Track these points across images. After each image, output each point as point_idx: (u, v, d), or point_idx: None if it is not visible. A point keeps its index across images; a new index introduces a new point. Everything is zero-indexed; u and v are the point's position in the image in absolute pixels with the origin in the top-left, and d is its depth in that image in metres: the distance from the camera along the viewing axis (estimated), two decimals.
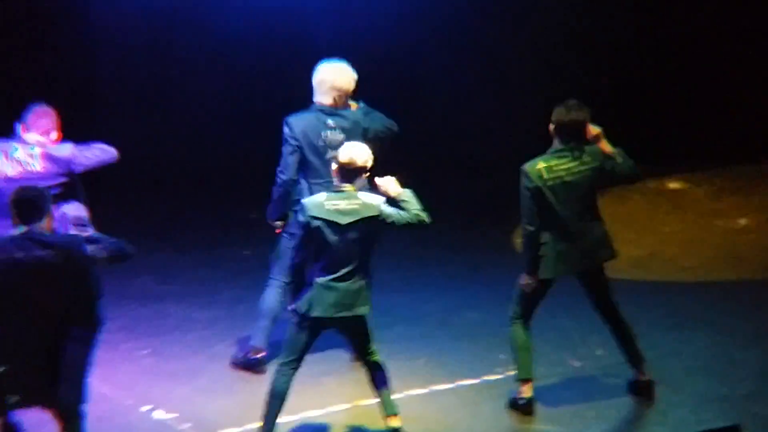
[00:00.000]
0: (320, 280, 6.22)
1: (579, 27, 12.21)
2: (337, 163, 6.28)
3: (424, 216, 6.33)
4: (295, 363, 6.34)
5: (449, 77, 12.36)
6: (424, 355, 7.64)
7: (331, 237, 6.18)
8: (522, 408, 6.76)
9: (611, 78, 12.37)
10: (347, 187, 6.26)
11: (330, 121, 7.11)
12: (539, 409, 6.84)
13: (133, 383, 7.19)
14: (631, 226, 10.25)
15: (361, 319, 6.35)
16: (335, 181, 6.31)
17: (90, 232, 6.43)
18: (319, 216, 6.17)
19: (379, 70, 10.57)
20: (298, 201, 6.62)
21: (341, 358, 7.53)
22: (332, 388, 7.17)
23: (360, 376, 7.29)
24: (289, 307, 6.47)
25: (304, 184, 7.06)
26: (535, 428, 6.69)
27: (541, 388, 6.97)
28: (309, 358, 7.44)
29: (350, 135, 7.02)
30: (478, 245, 9.93)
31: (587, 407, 6.86)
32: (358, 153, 6.27)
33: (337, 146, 6.70)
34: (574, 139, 6.63)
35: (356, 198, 6.25)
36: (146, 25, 11.79)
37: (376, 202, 6.29)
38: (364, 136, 7.04)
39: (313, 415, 6.80)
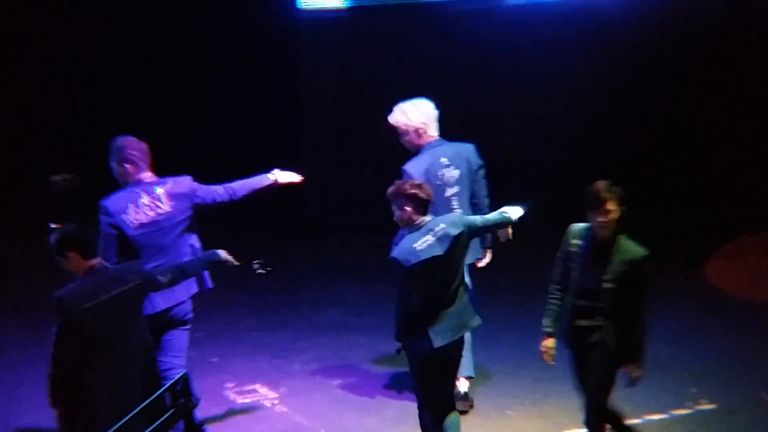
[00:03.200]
0: (432, 314, 6.28)
1: None
2: (414, 198, 6.34)
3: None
4: (435, 404, 6.37)
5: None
6: None
7: (437, 270, 6.26)
8: None
9: None
10: (424, 219, 6.34)
11: (444, 159, 7.18)
12: None
13: (326, 413, 7.41)
14: None
15: (463, 342, 6.52)
16: (415, 217, 6.35)
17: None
18: (418, 261, 6.22)
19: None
20: None
21: (525, 390, 7.56)
22: (517, 422, 7.20)
23: (544, 409, 7.31)
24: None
25: None
26: None
27: (735, 421, 6.81)
28: (492, 391, 7.53)
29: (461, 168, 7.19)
30: (661, 278, 9.75)
31: None
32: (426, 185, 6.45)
33: (454, 183, 6.94)
34: None
35: (437, 224, 6.33)
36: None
37: (456, 218, 6.47)
38: (470, 169, 7.19)
39: None
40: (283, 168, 7.27)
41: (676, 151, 11.56)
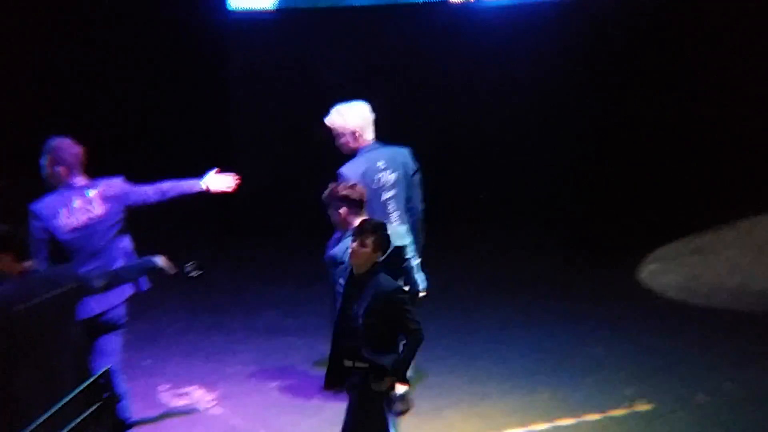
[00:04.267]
0: None
1: None
2: (346, 199, 6.34)
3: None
4: None
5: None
6: (546, 389, 7.59)
7: None
8: None
9: None
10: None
11: (381, 163, 7.15)
12: None
13: (264, 415, 7.33)
14: None
15: None
16: (353, 220, 6.32)
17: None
18: None
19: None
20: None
21: (463, 390, 7.55)
22: (454, 422, 7.19)
23: (482, 410, 7.31)
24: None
25: None
26: None
27: (672, 421, 6.85)
28: (430, 392, 7.51)
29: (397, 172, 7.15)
30: (599, 281, 9.83)
31: None
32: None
33: (390, 187, 6.93)
34: None
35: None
36: None
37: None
38: (406, 173, 7.16)
39: None
40: (216, 168, 7.17)
41: (613, 159, 11.68)
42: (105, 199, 6.68)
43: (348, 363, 5.87)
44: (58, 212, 6.53)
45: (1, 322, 5.50)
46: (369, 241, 5.83)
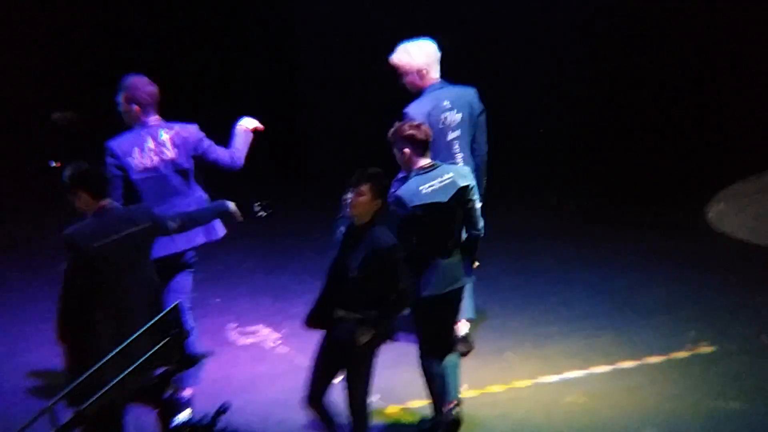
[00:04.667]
0: (427, 259, 6.27)
1: None
2: (412, 139, 6.28)
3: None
4: (435, 346, 6.39)
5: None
6: (609, 332, 7.62)
7: (436, 218, 6.23)
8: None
9: None
10: (433, 164, 6.30)
11: (447, 102, 7.11)
12: (728, 384, 6.74)
13: None
14: None
15: (461, 291, 6.45)
16: (417, 160, 6.30)
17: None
18: (421, 203, 6.21)
19: None
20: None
21: (525, 332, 7.60)
22: (515, 364, 7.25)
23: (543, 352, 7.36)
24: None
25: None
26: (723, 405, 6.60)
27: (734, 363, 6.85)
28: (492, 334, 7.58)
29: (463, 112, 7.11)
30: (666, 221, 9.77)
31: None
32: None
33: (456, 127, 6.87)
34: None
35: (446, 172, 6.30)
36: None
37: (467, 171, 6.38)
38: (472, 113, 7.11)
39: (496, 390, 6.90)
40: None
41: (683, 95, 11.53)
42: (178, 142, 6.72)
43: (340, 313, 5.85)
44: (132, 151, 6.61)
45: (79, 259, 5.68)
46: (365, 188, 5.79)
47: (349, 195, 5.84)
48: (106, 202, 5.84)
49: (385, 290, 5.80)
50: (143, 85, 6.70)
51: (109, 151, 6.62)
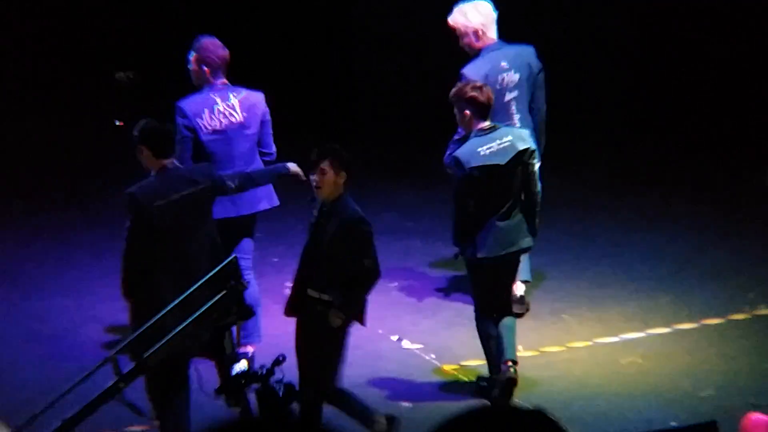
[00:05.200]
0: (484, 221, 6.25)
1: None
2: (473, 101, 6.24)
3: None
4: (491, 307, 6.39)
5: None
6: (668, 294, 7.58)
7: (494, 179, 6.21)
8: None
9: None
10: (493, 126, 6.26)
11: (504, 63, 7.06)
12: None
13: (383, 314, 7.47)
14: None
15: (518, 253, 6.41)
16: (477, 122, 6.27)
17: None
18: (478, 164, 6.19)
19: None
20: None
21: (582, 295, 7.59)
22: (572, 325, 7.25)
23: (600, 314, 7.35)
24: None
25: None
26: None
27: None
28: (548, 296, 7.58)
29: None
30: (723, 184, 9.67)
31: None
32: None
33: (514, 87, 6.85)
34: None
35: (505, 134, 6.24)
36: None
37: (526, 134, 6.30)
38: (531, 72, 7.04)
39: (552, 350, 6.91)
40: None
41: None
42: (246, 107, 6.75)
43: (313, 293, 5.80)
44: (202, 112, 6.65)
45: (140, 217, 5.78)
46: (326, 165, 5.75)
47: (313, 176, 5.78)
48: (168, 161, 5.91)
49: (353, 268, 5.73)
50: (215, 47, 6.74)
51: (180, 112, 6.68)
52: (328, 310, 5.77)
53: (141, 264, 5.82)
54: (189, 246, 5.87)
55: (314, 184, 5.81)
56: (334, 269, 5.77)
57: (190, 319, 5.41)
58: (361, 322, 6.06)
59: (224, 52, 6.74)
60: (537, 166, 6.67)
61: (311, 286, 5.82)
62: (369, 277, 5.81)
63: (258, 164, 6.80)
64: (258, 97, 6.84)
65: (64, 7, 12.01)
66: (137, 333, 5.46)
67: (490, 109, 6.33)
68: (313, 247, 5.86)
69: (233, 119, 6.71)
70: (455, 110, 6.38)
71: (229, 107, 6.72)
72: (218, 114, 6.69)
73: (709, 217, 8.91)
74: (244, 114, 6.76)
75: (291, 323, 7.34)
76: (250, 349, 6.65)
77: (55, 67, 11.71)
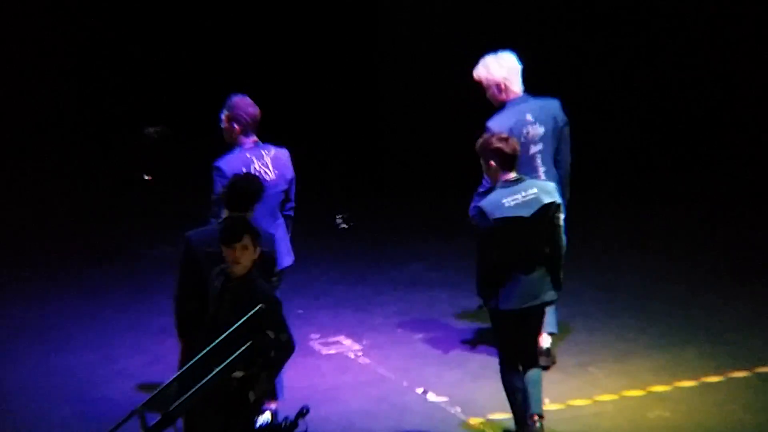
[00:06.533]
0: (508, 273, 6.23)
1: None
2: (499, 153, 6.24)
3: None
4: (516, 360, 6.37)
5: None
6: (693, 346, 7.53)
7: (518, 232, 6.18)
8: None
9: None
10: (519, 177, 6.25)
11: (529, 116, 7.07)
12: None
13: (408, 366, 7.47)
14: None
15: (542, 306, 6.38)
16: (503, 174, 6.26)
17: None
18: (502, 216, 6.18)
19: None
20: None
21: (608, 347, 7.55)
22: (599, 378, 7.21)
23: (627, 367, 7.31)
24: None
25: None
26: None
27: None
28: (575, 348, 7.55)
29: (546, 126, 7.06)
30: (748, 235, 9.63)
31: None
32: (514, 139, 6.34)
33: (539, 140, 6.86)
34: None
35: (531, 187, 6.26)
36: None
37: (551, 188, 6.31)
38: (556, 126, 7.06)
39: (579, 404, 6.87)
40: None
41: None
42: (277, 165, 6.82)
43: (237, 374, 5.50)
44: (241, 171, 6.67)
45: (191, 258, 5.99)
46: (248, 240, 5.61)
47: (227, 251, 5.64)
48: (236, 214, 6.04)
49: (267, 344, 5.57)
50: (246, 106, 6.80)
51: (219, 171, 6.72)
52: (241, 386, 5.60)
53: (189, 306, 5.95)
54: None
55: (231, 259, 5.68)
56: (246, 347, 5.46)
57: (216, 371, 5.41)
58: (275, 398, 6.19)
59: (255, 111, 6.81)
60: (562, 219, 6.67)
61: (217, 362, 5.49)
62: (286, 352, 5.68)
63: (281, 219, 6.87)
64: (286, 155, 6.94)
65: (95, 61, 12.18)
66: (163, 386, 5.46)
67: (515, 161, 6.34)
68: (221, 322, 5.63)
69: (267, 177, 6.78)
70: (481, 161, 6.41)
71: (263, 165, 6.81)
72: (255, 173, 6.75)
73: (734, 269, 8.87)
74: (276, 172, 6.84)
75: (315, 376, 7.38)
76: (273, 404, 6.64)
77: (84, 121, 11.87)
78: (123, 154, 11.24)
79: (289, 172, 6.89)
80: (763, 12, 11.16)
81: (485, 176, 6.73)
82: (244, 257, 5.66)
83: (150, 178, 7.45)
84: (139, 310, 8.36)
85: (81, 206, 10.54)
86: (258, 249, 5.71)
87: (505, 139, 6.31)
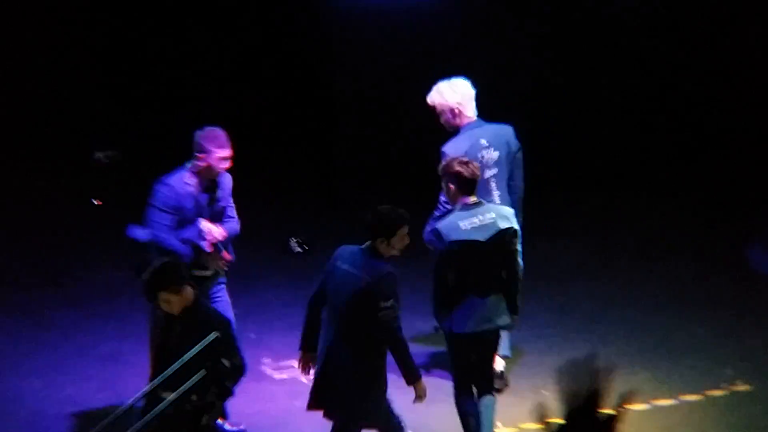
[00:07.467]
0: (462, 296, 6.26)
1: None
2: (458, 176, 6.29)
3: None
4: (470, 383, 6.38)
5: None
6: (645, 370, 7.58)
7: (474, 256, 6.21)
8: None
9: None
10: (478, 202, 6.30)
11: (484, 140, 7.12)
12: (766, 422, 6.67)
13: None
14: None
15: (497, 331, 6.40)
16: (462, 197, 6.31)
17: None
18: (458, 239, 6.21)
19: None
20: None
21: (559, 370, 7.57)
22: (551, 402, 7.20)
23: None
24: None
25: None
26: None
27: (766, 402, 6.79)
28: (527, 371, 7.54)
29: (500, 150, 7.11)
30: (702, 259, 9.71)
31: None
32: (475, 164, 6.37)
33: (493, 165, 6.93)
34: None
35: (488, 211, 6.28)
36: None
37: (509, 213, 6.33)
38: (509, 151, 7.11)
39: (531, 428, 6.87)
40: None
41: None
42: (225, 189, 6.91)
43: (171, 397, 5.47)
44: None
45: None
46: (174, 287, 5.62)
47: (159, 300, 5.63)
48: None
49: (222, 373, 5.59)
50: (214, 137, 6.74)
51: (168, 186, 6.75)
52: (196, 411, 5.59)
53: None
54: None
55: (163, 305, 5.68)
56: (197, 373, 5.52)
57: (168, 400, 5.36)
58: (224, 418, 6.26)
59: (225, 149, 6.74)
60: (518, 245, 6.68)
61: (172, 389, 5.54)
62: (237, 374, 5.70)
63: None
64: (230, 178, 6.96)
65: (46, 86, 12.08)
66: (115, 415, 5.40)
67: (475, 185, 6.36)
68: (169, 351, 5.65)
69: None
70: (443, 184, 6.43)
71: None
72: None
73: (687, 292, 8.94)
74: (221, 195, 6.89)
75: (267, 401, 7.32)
76: (226, 424, 6.60)
77: (33, 145, 11.75)
78: (72, 177, 11.15)
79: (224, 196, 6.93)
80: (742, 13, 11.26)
81: (440, 201, 6.74)
82: (172, 305, 5.66)
83: (99, 202, 7.38)
84: (87, 336, 8.28)
85: (27, 228, 10.42)
86: (187, 287, 5.66)
87: (466, 164, 6.34)
